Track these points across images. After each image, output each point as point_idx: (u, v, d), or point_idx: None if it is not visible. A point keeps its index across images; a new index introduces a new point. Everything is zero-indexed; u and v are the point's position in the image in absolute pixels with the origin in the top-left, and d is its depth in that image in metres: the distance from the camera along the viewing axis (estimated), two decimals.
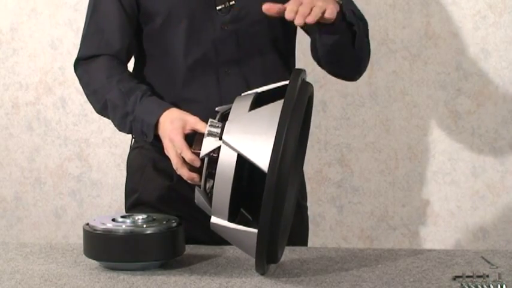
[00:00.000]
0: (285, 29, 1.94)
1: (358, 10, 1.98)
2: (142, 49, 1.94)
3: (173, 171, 1.73)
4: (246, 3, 1.87)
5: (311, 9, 1.63)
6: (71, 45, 2.86)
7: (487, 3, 2.70)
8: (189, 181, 1.67)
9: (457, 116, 2.74)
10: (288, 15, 1.62)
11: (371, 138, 2.78)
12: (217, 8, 1.87)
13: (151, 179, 1.93)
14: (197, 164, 1.63)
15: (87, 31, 1.93)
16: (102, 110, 1.88)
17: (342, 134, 2.79)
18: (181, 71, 1.89)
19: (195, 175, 1.65)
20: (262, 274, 1.58)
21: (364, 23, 1.98)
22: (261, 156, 1.49)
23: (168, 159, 1.73)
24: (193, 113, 1.74)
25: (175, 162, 1.69)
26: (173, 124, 1.72)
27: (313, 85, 1.64)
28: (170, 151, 1.70)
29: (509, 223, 2.76)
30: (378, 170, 2.79)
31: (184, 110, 1.80)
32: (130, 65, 1.98)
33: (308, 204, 2.05)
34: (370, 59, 2.74)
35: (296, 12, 1.62)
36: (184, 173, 1.67)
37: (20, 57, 2.91)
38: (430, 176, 2.77)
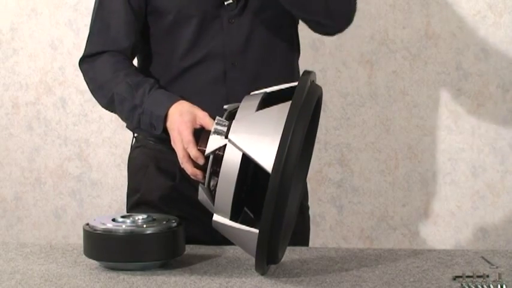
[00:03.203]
0: (290, 21, 1.94)
1: None
2: (148, 47, 1.94)
3: (176, 169, 1.73)
4: None
5: None
6: (71, 45, 2.86)
7: (487, 3, 2.70)
8: (192, 177, 1.67)
9: (457, 116, 2.74)
10: None
11: (371, 138, 2.78)
12: (226, 3, 1.87)
13: (153, 179, 1.93)
14: (201, 161, 1.63)
15: (92, 28, 1.93)
16: (108, 104, 1.88)
17: (342, 134, 2.79)
18: (188, 66, 1.89)
19: (198, 172, 1.65)
20: (262, 274, 1.58)
21: None
22: (266, 157, 1.49)
23: (172, 156, 1.72)
24: (199, 107, 1.74)
25: (181, 156, 1.68)
26: (182, 117, 1.72)
27: None
28: (177, 144, 1.70)
29: (509, 223, 2.76)
30: (378, 170, 2.79)
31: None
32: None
33: (308, 204, 2.05)
34: (370, 58, 2.75)
35: None
36: (188, 168, 1.67)
37: (20, 57, 2.91)
38: (430, 176, 2.77)
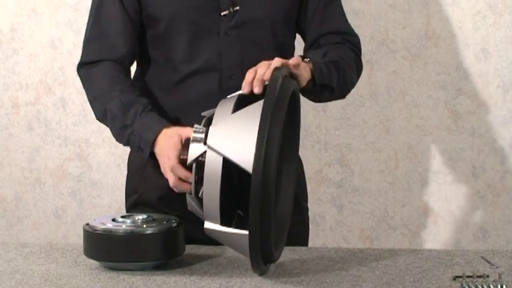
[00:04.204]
0: (287, 33, 1.94)
1: (347, 26, 2.01)
2: (145, 53, 1.94)
3: None
4: (250, 8, 1.87)
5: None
6: (71, 45, 2.86)
7: (487, 3, 2.70)
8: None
9: (457, 116, 2.74)
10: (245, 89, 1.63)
11: (371, 138, 2.78)
12: (222, 13, 1.86)
13: (151, 179, 1.93)
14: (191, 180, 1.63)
15: (89, 35, 1.93)
16: (101, 117, 1.88)
17: (342, 134, 2.79)
18: (184, 76, 1.88)
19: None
20: (260, 275, 1.58)
21: (355, 40, 2.01)
22: (246, 158, 1.49)
23: None
24: (194, 117, 1.73)
25: (173, 181, 1.68)
26: (170, 141, 1.72)
27: None
28: (167, 169, 1.70)
29: (509, 223, 2.76)
30: (378, 170, 2.79)
31: (186, 115, 1.80)
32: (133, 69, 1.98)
33: (308, 204, 2.05)
34: (370, 58, 2.75)
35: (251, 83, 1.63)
36: (186, 188, 1.66)
37: (20, 57, 2.91)
38: (430, 176, 2.77)
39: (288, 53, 1.96)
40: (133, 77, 1.99)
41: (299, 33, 2.00)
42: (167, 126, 1.77)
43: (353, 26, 2.03)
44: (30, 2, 2.88)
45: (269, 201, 1.46)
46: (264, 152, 1.46)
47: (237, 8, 1.86)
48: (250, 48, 1.88)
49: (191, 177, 1.61)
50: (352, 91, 2.78)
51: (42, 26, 2.89)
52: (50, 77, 2.90)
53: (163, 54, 1.90)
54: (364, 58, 2.70)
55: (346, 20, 2.01)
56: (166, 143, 1.72)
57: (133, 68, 2.00)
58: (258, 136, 1.47)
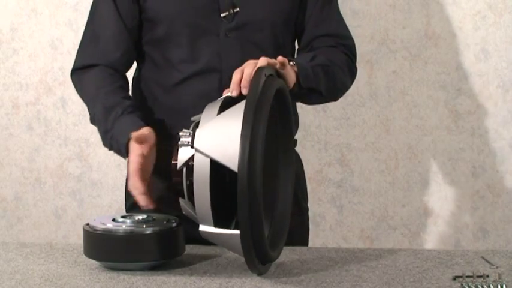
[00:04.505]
0: (287, 35, 1.94)
1: (342, 28, 1.99)
2: (145, 54, 1.93)
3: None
4: (250, 10, 1.87)
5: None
6: (71, 45, 2.86)
7: (487, 3, 2.70)
8: (145, 207, 1.67)
9: (457, 116, 2.74)
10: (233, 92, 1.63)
11: (371, 138, 2.78)
12: (222, 15, 1.86)
13: (151, 179, 1.93)
14: (137, 192, 1.65)
15: (82, 40, 1.94)
16: (92, 122, 1.89)
17: (342, 134, 2.79)
18: (184, 78, 1.88)
19: (150, 202, 1.66)
20: (259, 274, 1.58)
21: (349, 43, 1.99)
22: (232, 157, 1.49)
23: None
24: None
25: (131, 185, 1.68)
26: (133, 145, 1.71)
27: None
28: (128, 173, 1.70)
29: (509, 223, 2.76)
30: (378, 170, 2.79)
31: (185, 115, 1.80)
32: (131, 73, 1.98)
33: (308, 204, 2.05)
34: (370, 58, 2.75)
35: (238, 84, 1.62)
36: (140, 199, 1.66)
37: (20, 57, 2.91)
38: (430, 176, 2.77)
39: (288, 54, 1.95)
40: (133, 77, 1.99)
41: (297, 35, 2.00)
42: (139, 129, 1.76)
43: (353, 26, 2.03)
44: (30, 2, 2.89)
45: (257, 199, 1.46)
46: (248, 150, 1.46)
47: (237, 9, 1.86)
48: (250, 50, 1.87)
49: (145, 190, 1.64)
50: (352, 91, 2.79)
51: (42, 26, 2.89)
52: (50, 77, 2.90)
53: (164, 56, 1.90)
54: (364, 58, 2.71)
55: (342, 22, 1.99)
56: (132, 146, 1.72)
57: (133, 68, 2.00)
58: (241, 134, 1.46)
